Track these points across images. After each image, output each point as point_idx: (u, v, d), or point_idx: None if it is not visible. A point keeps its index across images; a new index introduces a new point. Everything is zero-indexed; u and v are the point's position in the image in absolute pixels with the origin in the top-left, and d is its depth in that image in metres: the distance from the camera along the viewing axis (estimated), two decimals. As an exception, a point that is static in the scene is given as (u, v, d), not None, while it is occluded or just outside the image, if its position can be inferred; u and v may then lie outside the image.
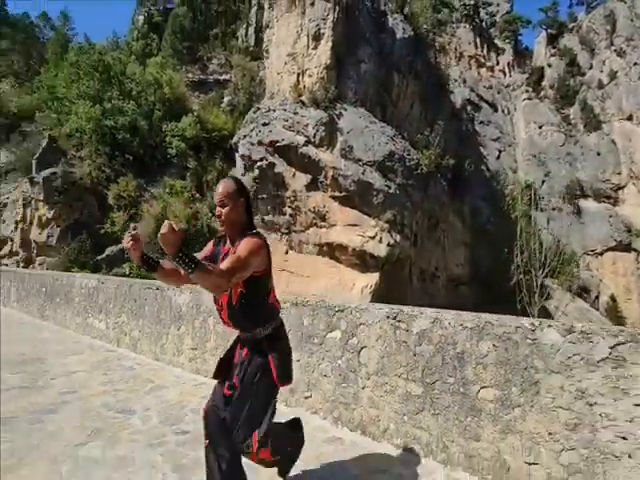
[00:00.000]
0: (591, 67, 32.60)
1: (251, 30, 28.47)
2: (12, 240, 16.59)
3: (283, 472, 2.15)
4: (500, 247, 19.99)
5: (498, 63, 38.78)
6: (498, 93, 33.82)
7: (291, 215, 16.14)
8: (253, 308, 1.90)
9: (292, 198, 15.99)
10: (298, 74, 17.05)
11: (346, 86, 16.75)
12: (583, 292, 22.75)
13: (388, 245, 14.91)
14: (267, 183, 16.36)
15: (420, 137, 17.60)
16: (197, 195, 20.32)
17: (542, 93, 32.91)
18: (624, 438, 1.69)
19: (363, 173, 15.18)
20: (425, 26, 22.74)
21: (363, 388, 2.58)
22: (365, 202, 15.12)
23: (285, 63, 17.27)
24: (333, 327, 2.73)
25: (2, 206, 17.29)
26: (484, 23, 42.56)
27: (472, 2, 40.41)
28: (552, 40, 36.14)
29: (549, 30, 36.89)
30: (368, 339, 2.59)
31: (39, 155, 16.35)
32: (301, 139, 15.74)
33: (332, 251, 15.40)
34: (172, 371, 4.02)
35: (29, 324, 6.81)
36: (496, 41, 40.40)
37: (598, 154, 28.39)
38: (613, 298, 23.05)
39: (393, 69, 18.14)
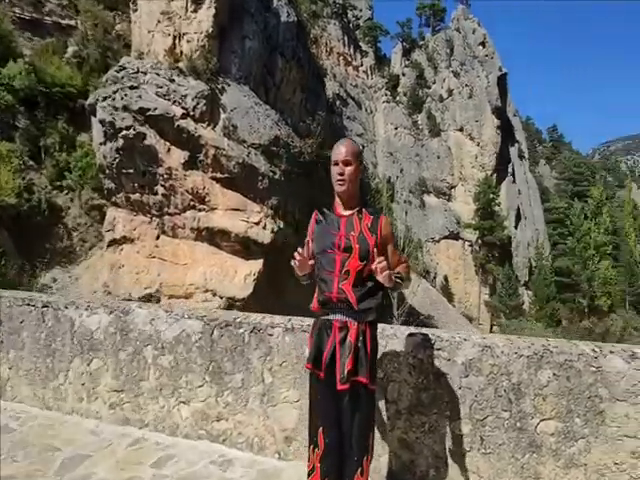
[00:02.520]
0: (435, 82, 38.16)
1: (105, -28, 23.90)
2: None
3: None
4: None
5: (362, 64, 41.87)
6: (362, 92, 36.64)
7: (164, 195, 14.41)
8: (375, 286, 1.85)
9: (166, 176, 14.27)
10: (174, 37, 15.13)
11: (229, 60, 15.63)
12: (426, 274, 26.90)
13: (272, 232, 14.71)
14: (134, 156, 14.19)
15: (302, 125, 17.75)
16: (31, 163, 16.37)
17: (398, 98, 37.04)
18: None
19: (248, 155, 14.52)
20: (305, 15, 22.85)
21: (392, 430, 2.23)
22: (250, 186, 14.53)
23: (158, 21, 15.08)
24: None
25: None
26: (351, 24, 45.12)
27: (341, 1, 42.32)
28: (406, 52, 40.86)
29: (404, 43, 41.61)
30: (398, 372, 2.22)
31: None
32: (178, 110, 14.09)
33: (213, 237, 14.39)
34: (81, 425, 2.80)
35: None
36: (361, 44, 43.43)
37: (438, 157, 33.67)
38: (446, 278, 28.08)
39: (277, 52, 17.70)
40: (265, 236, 14.57)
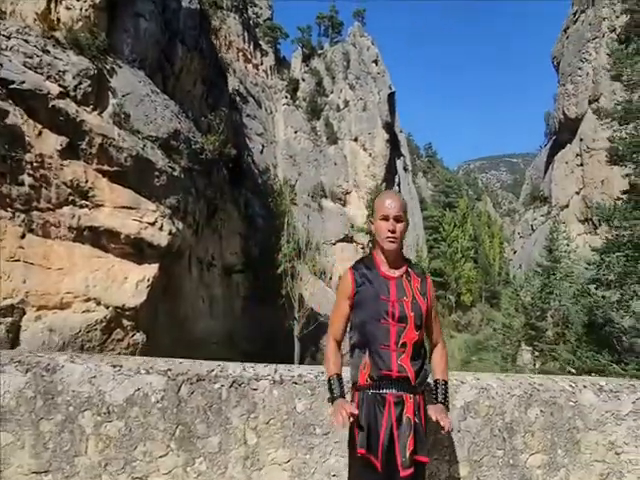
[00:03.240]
0: (332, 92, 39.74)
1: None
2: None
3: None
4: (268, 238, 21.69)
5: (262, 63, 41.32)
6: (263, 92, 36.16)
7: (33, 187, 12.10)
8: (425, 353, 1.76)
9: (36, 164, 12.03)
10: (49, 0, 12.88)
11: (121, 39, 13.95)
12: (323, 275, 27.82)
13: (170, 234, 13.52)
14: (-8, 137, 11.60)
15: (204, 120, 16.72)
16: None
17: (297, 102, 37.59)
18: (647, 479, 2.07)
19: (143, 148, 13.10)
20: (207, 3, 21.58)
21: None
22: (144, 182, 13.12)
23: (27, -24, 12.64)
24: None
25: None
26: (251, 21, 44.16)
27: (242, -5, 41.10)
28: (306, 58, 41.70)
29: (304, 49, 42.39)
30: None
31: None
32: (54, 88, 12.04)
33: (97, 237, 12.59)
34: (-19, 519, 1.94)
35: None
36: (261, 42, 42.84)
37: (335, 164, 35.11)
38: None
39: (177, 38, 16.36)
40: (161, 238, 13.31)
